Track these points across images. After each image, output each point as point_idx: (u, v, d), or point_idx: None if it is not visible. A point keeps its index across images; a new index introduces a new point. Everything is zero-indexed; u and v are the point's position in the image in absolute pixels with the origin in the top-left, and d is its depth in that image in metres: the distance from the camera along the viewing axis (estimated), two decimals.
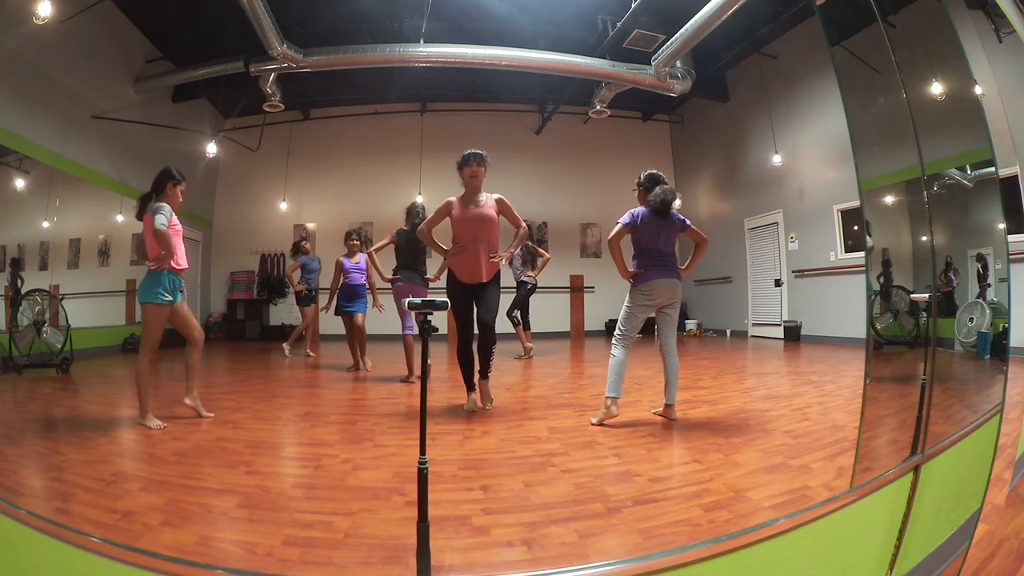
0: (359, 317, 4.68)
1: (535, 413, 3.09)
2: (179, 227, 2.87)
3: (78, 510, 1.64)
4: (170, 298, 2.81)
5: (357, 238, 4.79)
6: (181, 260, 2.84)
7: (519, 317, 5.37)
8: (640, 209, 2.95)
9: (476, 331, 3.22)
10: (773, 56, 6.77)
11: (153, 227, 2.74)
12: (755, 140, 7.48)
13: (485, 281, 3.18)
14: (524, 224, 3.26)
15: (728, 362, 5.64)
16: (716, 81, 7.41)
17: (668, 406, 2.86)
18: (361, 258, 4.75)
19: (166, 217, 2.76)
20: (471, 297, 3.18)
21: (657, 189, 2.92)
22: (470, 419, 2.92)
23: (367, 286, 4.75)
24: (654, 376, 3.66)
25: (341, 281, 4.69)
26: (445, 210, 3.16)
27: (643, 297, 2.91)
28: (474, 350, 3.21)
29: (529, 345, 5.42)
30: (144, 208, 2.84)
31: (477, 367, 3.20)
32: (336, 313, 4.75)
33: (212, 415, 2.92)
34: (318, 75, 5.44)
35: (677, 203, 3.09)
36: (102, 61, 5.12)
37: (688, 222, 2.98)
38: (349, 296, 4.69)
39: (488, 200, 3.16)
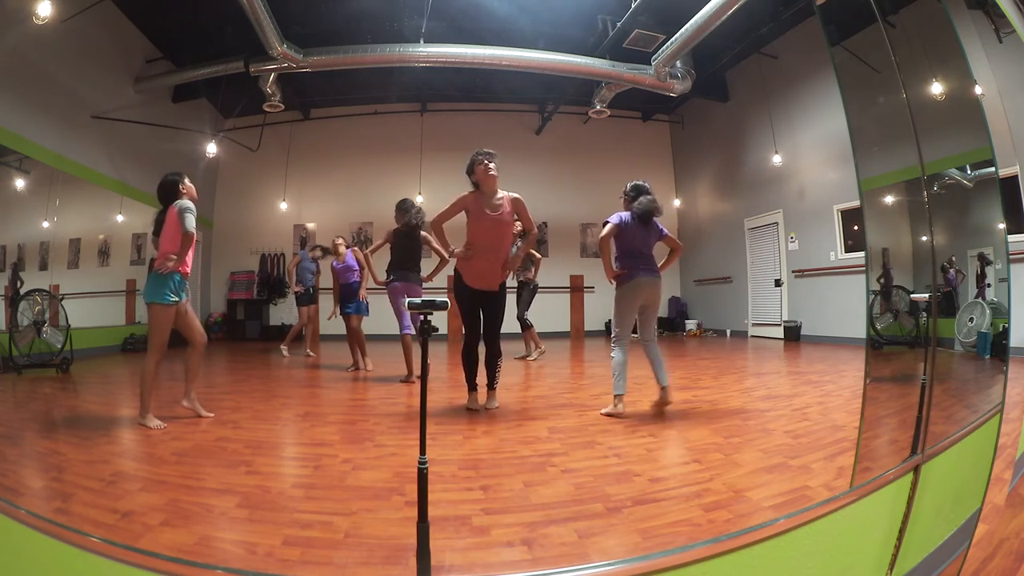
0: (353, 320, 4.69)
1: (535, 413, 3.09)
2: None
3: (78, 510, 1.64)
4: (176, 298, 2.82)
5: (337, 238, 4.88)
6: (188, 266, 2.88)
7: (529, 320, 5.33)
8: (626, 213, 3.15)
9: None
10: (773, 56, 6.76)
11: (184, 228, 2.78)
12: (755, 140, 7.47)
13: (495, 289, 3.13)
14: (535, 227, 3.21)
15: (728, 362, 5.64)
16: (716, 81, 7.39)
17: (663, 388, 3.04)
18: (348, 255, 4.77)
19: (196, 221, 2.82)
20: (480, 303, 3.14)
21: (642, 198, 3.13)
22: (470, 419, 2.92)
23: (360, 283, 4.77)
24: (653, 376, 3.66)
25: (337, 283, 4.77)
26: (461, 205, 3.03)
27: (630, 293, 3.09)
28: (480, 354, 3.19)
29: (542, 349, 5.34)
30: (161, 222, 2.86)
31: (484, 378, 3.19)
32: (340, 314, 4.79)
33: (212, 415, 2.92)
34: (318, 75, 5.44)
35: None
36: (102, 61, 5.10)
37: (665, 231, 3.20)
38: (346, 296, 4.73)
39: (505, 203, 3.04)
